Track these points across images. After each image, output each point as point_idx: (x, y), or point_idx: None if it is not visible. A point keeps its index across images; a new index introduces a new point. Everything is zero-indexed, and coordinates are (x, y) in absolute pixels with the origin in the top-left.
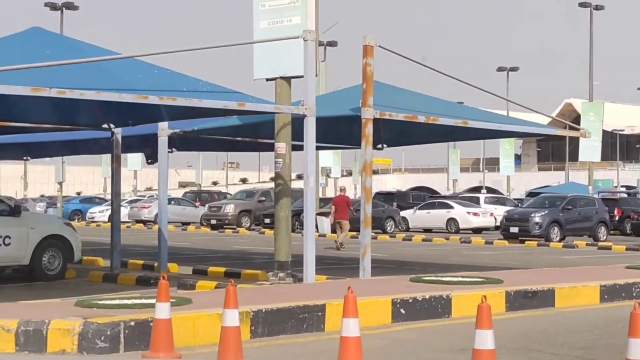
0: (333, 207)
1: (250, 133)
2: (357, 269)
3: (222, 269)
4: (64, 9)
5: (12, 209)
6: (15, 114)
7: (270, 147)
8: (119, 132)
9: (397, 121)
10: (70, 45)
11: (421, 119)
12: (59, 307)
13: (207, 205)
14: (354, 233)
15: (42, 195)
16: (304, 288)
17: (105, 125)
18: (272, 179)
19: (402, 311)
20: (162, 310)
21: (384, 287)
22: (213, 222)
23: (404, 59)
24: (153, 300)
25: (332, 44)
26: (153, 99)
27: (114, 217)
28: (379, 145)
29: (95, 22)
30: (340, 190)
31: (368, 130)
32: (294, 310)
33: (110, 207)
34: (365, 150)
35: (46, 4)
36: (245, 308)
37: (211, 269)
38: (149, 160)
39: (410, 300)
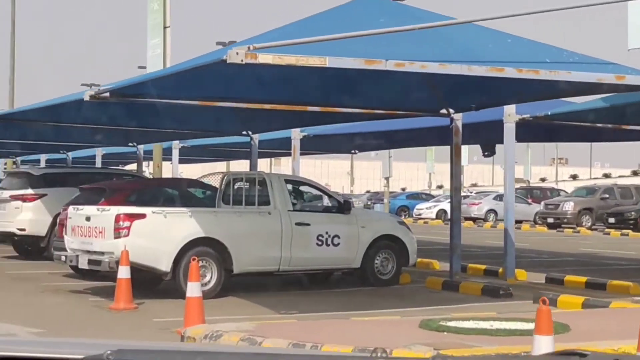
0: None
1: (613, 118)
2: None
3: (582, 279)
4: None
5: (341, 205)
6: (335, 96)
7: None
8: (459, 118)
9: None
10: (406, 12)
11: None
12: (399, 327)
13: (542, 203)
14: None
15: (367, 191)
16: None
17: (443, 111)
18: (605, 176)
19: None
20: (543, 344)
21: None
22: (550, 220)
23: None
24: (518, 325)
25: None
26: (510, 72)
27: (454, 215)
28: None
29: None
30: None
31: None
32: None
33: (437, 204)
34: None
35: None
36: None
37: (568, 277)
38: (486, 153)
39: None
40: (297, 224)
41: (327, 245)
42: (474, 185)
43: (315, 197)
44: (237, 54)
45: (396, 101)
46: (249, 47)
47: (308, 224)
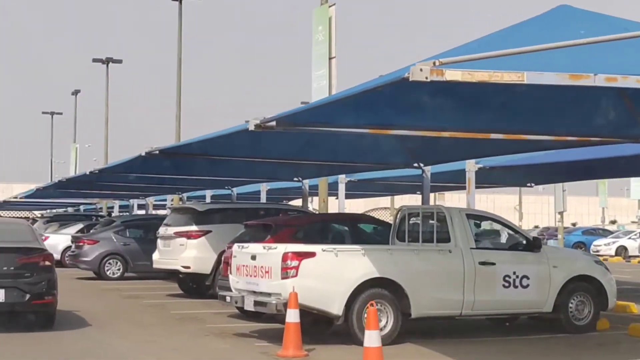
0: None
1: None
2: None
3: None
4: None
5: (530, 242)
6: (519, 120)
7: None
8: None
9: None
10: (609, 22)
11: None
12: None
13: None
14: None
15: (535, 226)
16: None
17: None
18: None
19: None
20: None
21: None
22: None
23: None
24: None
25: None
26: None
27: None
28: None
29: None
30: None
31: None
32: None
33: (616, 240)
34: None
35: None
36: None
37: None
38: None
39: None
40: (481, 263)
41: (515, 287)
42: None
43: (499, 233)
44: (421, 70)
45: (589, 126)
46: (434, 63)
47: (493, 264)
